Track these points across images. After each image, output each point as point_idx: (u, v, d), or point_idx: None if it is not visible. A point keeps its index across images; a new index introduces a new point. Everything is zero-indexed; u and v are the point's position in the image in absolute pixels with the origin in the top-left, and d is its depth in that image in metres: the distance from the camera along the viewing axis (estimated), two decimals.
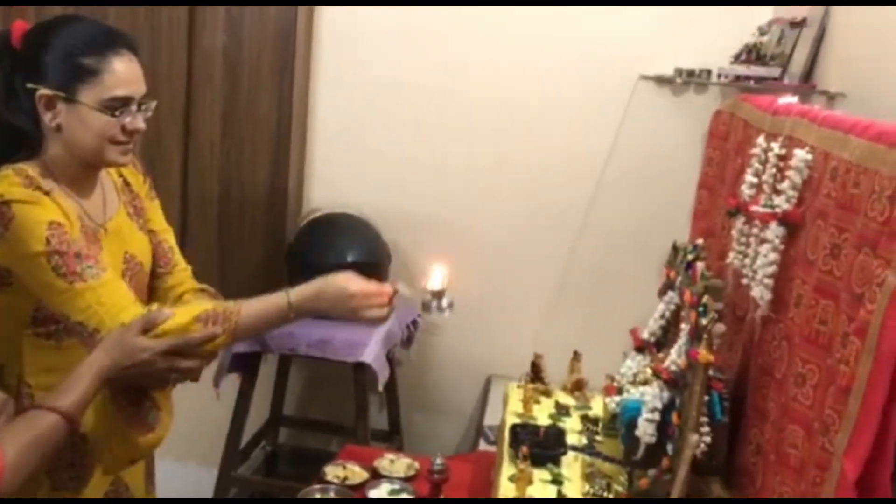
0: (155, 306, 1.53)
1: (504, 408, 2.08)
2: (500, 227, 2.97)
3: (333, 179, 2.97)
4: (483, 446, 2.48)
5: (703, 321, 1.47)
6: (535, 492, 1.58)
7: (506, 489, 1.61)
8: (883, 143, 1.13)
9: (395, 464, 2.11)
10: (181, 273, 1.82)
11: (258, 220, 2.93)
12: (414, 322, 2.83)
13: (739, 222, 1.76)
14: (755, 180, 1.73)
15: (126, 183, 1.76)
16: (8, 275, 1.50)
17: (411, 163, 2.94)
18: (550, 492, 1.60)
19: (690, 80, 2.69)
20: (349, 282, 1.61)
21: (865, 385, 1.01)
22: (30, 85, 1.52)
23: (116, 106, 1.54)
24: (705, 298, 1.48)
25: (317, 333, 2.49)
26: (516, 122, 2.87)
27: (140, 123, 1.59)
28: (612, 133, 2.84)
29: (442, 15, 2.81)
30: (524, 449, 1.60)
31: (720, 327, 1.48)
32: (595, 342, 2.89)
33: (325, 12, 2.86)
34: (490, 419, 2.65)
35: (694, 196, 2.40)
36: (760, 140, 1.72)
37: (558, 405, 1.99)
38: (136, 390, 1.52)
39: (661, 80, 2.75)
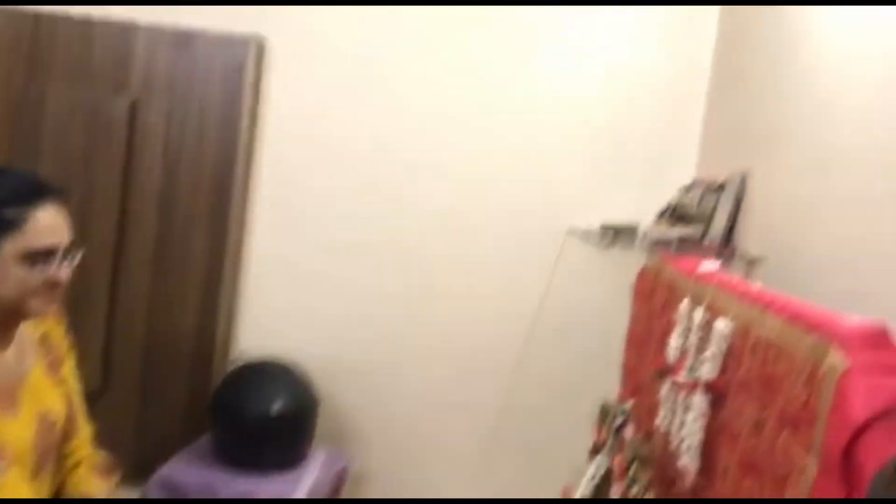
0: None
1: None
2: (431, 376, 2.95)
3: (264, 324, 2.93)
4: None
5: (633, 491, 1.46)
6: None
7: None
8: (798, 326, 1.18)
9: None
10: (80, 438, 1.74)
11: (184, 366, 2.84)
12: (343, 470, 2.74)
13: (666, 385, 1.79)
14: (680, 344, 1.77)
15: (44, 336, 1.71)
16: None
17: (344, 310, 2.93)
18: None
19: (617, 236, 2.78)
20: None
21: None
22: None
23: (38, 258, 1.51)
24: (632, 469, 1.47)
25: (241, 487, 2.38)
26: (447, 272, 2.91)
27: (62, 275, 1.55)
28: (542, 285, 2.90)
29: (370, 182, 2.89)
30: None
31: (650, 496, 1.47)
32: (530, 492, 2.86)
33: (264, 156, 2.90)
34: None
35: (621, 353, 2.44)
36: (684, 304, 1.77)
37: None
38: None
39: (587, 235, 2.84)
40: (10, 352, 1.59)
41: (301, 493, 2.41)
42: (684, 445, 1.52)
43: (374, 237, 2.90)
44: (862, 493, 0.94)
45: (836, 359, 1.01)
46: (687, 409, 1.55)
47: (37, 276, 1.51)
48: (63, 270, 1.55)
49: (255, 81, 2.84)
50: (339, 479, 2.75)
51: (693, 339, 1.65)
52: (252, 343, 2.90)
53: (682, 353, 1.75)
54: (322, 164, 2.89)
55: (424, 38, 2.86)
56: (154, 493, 2.36)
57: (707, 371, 1.49)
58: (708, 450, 1.48)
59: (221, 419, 2.54)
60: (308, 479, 2.50)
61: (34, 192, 1.54)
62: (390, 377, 2.93)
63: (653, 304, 2.19)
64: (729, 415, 1.41)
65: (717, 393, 1.47)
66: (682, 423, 1.63)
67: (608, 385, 2.74)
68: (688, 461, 1.51)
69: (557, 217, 2.85)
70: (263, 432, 2.47)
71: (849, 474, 0.95)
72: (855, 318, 1.06)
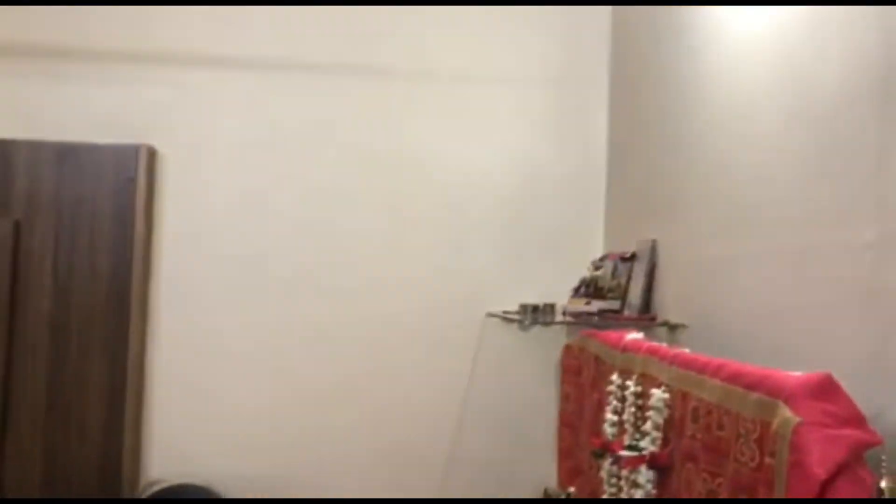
0: None
1: None
2: (359, 481, 2.79)
3: (174, 448, 2.72)
4: None
5: None
6: None
7: None
8: (738, 385, 1.14)
9: None
10: None
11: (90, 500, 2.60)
12: None
13: (607, 463, 1.72)
14: (615, 418, 1.72)
15: None
16: None
17: (253, 428, 2.75)
18: None
19: (535, 315, 2.75)
20: None
21: None
22: None
23: None
24: None
25: None
26: (369, 373, 2.79)
27: None
28: (466, 372, 2.82)
29: (277, 276, 2.78)
30: None
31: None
32: None
33: (162, 268, 2.76)
34: None
35: (555, 434, 2.37)
36: (615, 377, 1.73)
37: None
38: None
39: (507, 317, 2.80)
40: None
41: None
42: None
43: (280, 343, 2.77)
44: None
45: (787, 414, 0.97)
46: (633, 485, 1.48)
47: None
48: None
49: (148, 192, 2.73)
50: None
51: (629, 412, 1.60)
52: (162, 469, 2.68)
53: (619, 428, 1.69)
54: (219, 274, 2.76)
55: (317, 127, 2.81)
56: None
57: (649, 444, 1.43)
58: None
59: None
60: None
61: None
62: (317, 489, 2.75)
63: (581, 381, 2.14)
64: (678, 486, 1.34)
65: (662, 465, 1.40)
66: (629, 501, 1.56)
67: (545, 468, 2.66)
68: None
69: (476, 302, 2.80)
70: None
71: None
72: (798, 371, 1.03)
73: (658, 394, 1.42)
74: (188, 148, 2.75)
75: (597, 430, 1.87)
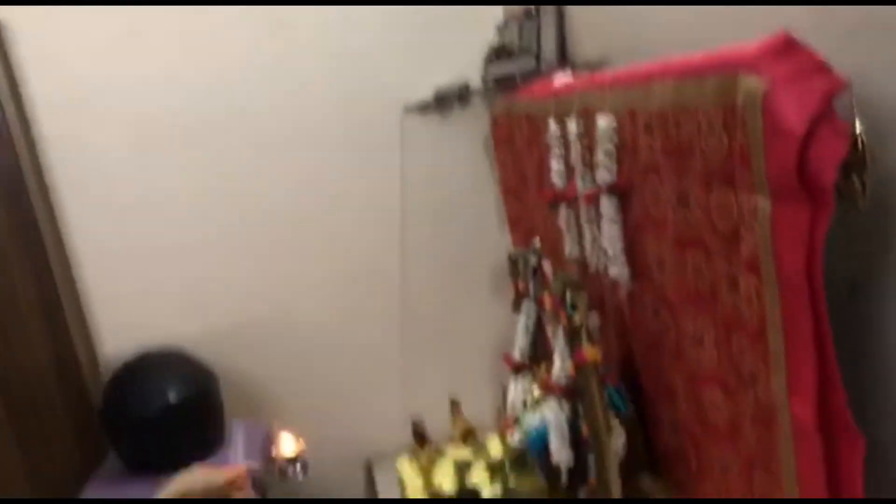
0: None
1: (401, 489, 1.89)
2: (319, 308, 2.76)
3: (124, 326, 2.62)
4: None
5: (576, 318, 1.37)
6: None
7: None
8: (690, 77, 1.09)
9: None
10: None
11: (55, 398, 2.51)
12: (266, 434, 2.55)
13: (563, 211, 1.70)
14: (561, 167, 1.68)
15: None
16: None
17: (200, 276, 2.65)
18: None
19: (453, 99, 2.65)
20: (213, 475, 1.59)
21: (781, 319, 0.94)
22: None
23: None
24: (569, 295, 1.38)
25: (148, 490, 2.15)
26: (296, 197, 2.69)
27: None
28: (396, 174, 2.75)
29: (177, 134, 2.57)
30: None
31: (595, 320, 1.39)
32: (461, 379, 2.77)
33: (51, 144, 2.53)
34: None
35: (501, 207, 2.35)
36: (551, 124, 1.67)
37: (457, 464, 1.83)
38: None
39: (424, 108, 2.69)
40: None
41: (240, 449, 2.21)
42: (609, 255, 1.44)
43: (202, 184, 2.61)
44: (828, 204, 0.87)
45: (752, 84, 0.92)
46: (597, 220, 1.47)
47: None
48: None
49: (6, 70, 2.44)
50: (266, 444, 2.56)
51: (575, 152, 1.56)
52: (119, 346, 2.60)
53: (567, 174, 1.66)
54: (120, 134, 2.56)
55: None
56: None
57: (605, 175, 1.40)
58: (634, 251, 1.41)
59: (119, 430, 2.28)
60: (237, 456, 2.30)
61: None
62: (279, 327, 2.72)
63: (515, 146, 2.09)
64: (644, 207, 1.33)
65: (622, 189, 1.38)
66: (595, 240, 1.56)
67: (498, 248, 2.67)
68: (617, 270, 1.43)
69: (390, 100, 2.68)
70: (170, 426, 2.23)
71: (808, 191, 0.87)
72: (751, 41, 0.97)
73: (604, 122, 1.37)
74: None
75: (543, 185, 1.84)
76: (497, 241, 2.73)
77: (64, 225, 2.57)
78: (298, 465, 1.62)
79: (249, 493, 1.55)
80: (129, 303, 2.62)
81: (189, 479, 1.55)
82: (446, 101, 2.67)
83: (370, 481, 2.74)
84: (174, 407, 2.23)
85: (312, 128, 2.67)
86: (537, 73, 2.30)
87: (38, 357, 2.50)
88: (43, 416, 2.51)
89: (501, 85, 2.43)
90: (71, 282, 2.59)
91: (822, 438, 0.90)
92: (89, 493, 2.27)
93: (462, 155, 2.73)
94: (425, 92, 2.66)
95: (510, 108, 2.07)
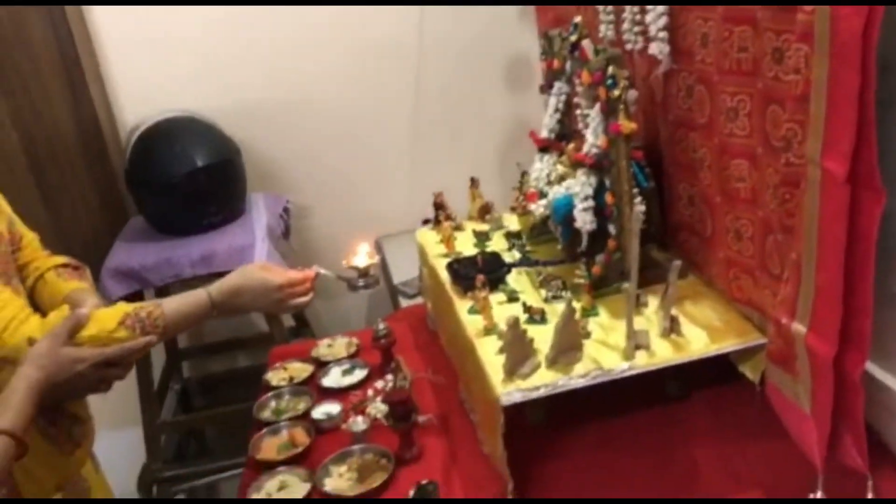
0: (66, 309, 1.35)
1: (422, 256, 2.03)
2: (336, 87, 2.80)
3: (142, 90, 2.66)
4: (405, 303, 2.44)
5: (615, 92, 1.44)
6: (500, 313, 1.56)
7: (472, 322, 1.58)
8: None
9: (334, 346, 2.04)
10: (30, 246, 1.59)
11: (76, 157, 2.60)
12: (286, 210, 2.68)
13: None
14: None
15: None
16: None
17: (220, 48, 2.67)
18: (515, 309, 1.58)
19: None
20: (271, 274, 1.54)
21: (827, 83, 1.02)
22: None
23: None
24: (610, 70, 1.45)
25: (196, 251, 2.29)
26: None
27: None
28: None
29: None
30: (481, 278, 1.56)
31: (633, 93, 1.46)
32: (466, 168, 2.87)
33: None
34: (399, 277, 2.60)
35: None
36: None
37: (476, 233, 1.95)
38: (54, 406, 1.35)
39: None
40: None
41: (260, 238, 2.35)
42: (651, 32, 1.49)
43: None
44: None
45: None
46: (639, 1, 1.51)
47: None
48: None
49: None
50: (284, 218, 2.69)
51: None
52: (139, 112, 2.64)
53: None
54: None
55: None
56: (111, 284, 2.25)
57: None
58: (675, 30, 1.47)
59: (146, 192, 2.38)
60: (259, 223, 2.43)
61: None
62: (296, 106, 2.77)
63: None
64: None
65: None
66: (634, 19, 1.60)
67: (514, 36, 2.68)
68: (658, 48, 1.49)
69: None
70: (197, 188, 2.33)
71: None
72: None
73: None
74: None
75: None
76: (514, 30, 2.74)
77: None
78: (369, 278, 1.70)
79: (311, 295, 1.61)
80: (149, 69, 2.64)
81: (253, 272, 1.55)
82: None
83: (381, 258, 2.90)
84: (201, 170, 2.32)
85: None
86: None
87: (60, 116, 2.55)
88: (66, 177, 2.60)
89: None
90: (88, 40, 2.57)
91: (850, 191, 1.01)
92: (116, 251, 2.41)
93: None
94: None
95: None
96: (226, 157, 2.41)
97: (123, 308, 1.40)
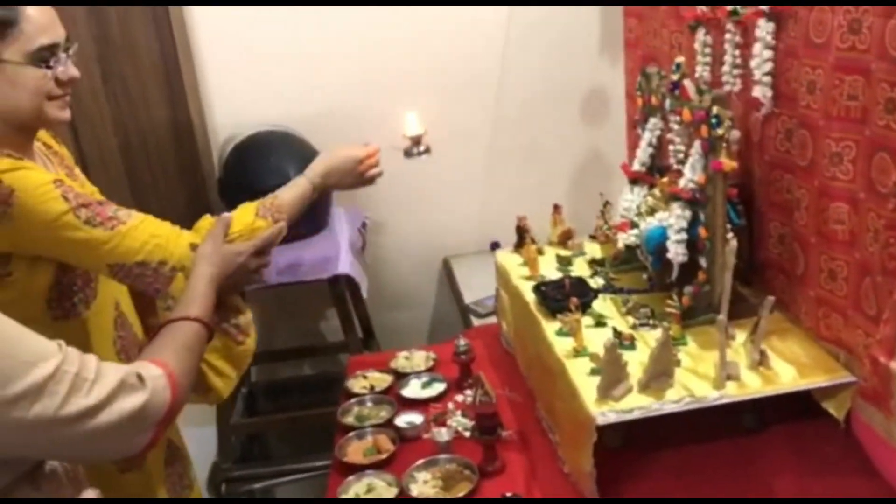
0: (208, 218, 1.56)
1: (502, 277, 2.10)
2: (419, 110, 2.89)
3: (235, 103, 2.77)
4: (477, 322, 2.50)
5: (719, 131, 1.51)
6: (588, 337, 1.62)
7: (561, 343, 1.64)
8: None
9: (411, 359, 2.11)
10: None
11: (169, 162, 2.72)
12: (364, 225, 2.77)
13: (701, 34, 1.80)
14: None
15: (47, 146, 1.59)
16: (5, 264, 1.34)
17: (312, 66, 2.78)
18: (603, 333, 1.64)
19: None
20: (353, 150, 1.79)
21: None
22: None
23: (45, 56, 1.37)
24: (715, 110, 1.51)
25: (283, 259, 2.38)
26: (412, 6, 2.75)
27: (74, 70, 1.44)
28: None
29: None
30: (575, 300, 1.62)
31: (736, 134, 1.52)
32: (537, 196, 2.93)
33: None
34: (468, 296, 2.67)
35: (610, 30, 2.41)
36: None
37: (559, 258, 2.02)
38: (220, 301, 1.47)
39: None
40: (38, 165, 1.49)
41: (343, 251, 2.44)
42: (755, 77, 1.55)
43: None
44: None
45: None
46: (738, 46, 1.59)
47: (48, 76, 1.38)
48: (71, 66, 1.42)
49: None
50: (362, 233, 2.78)
51: None
52: (230, 124, 2.76)
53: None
54: None
55: None
56: None
57: None
58: (779, 74, 1.53)
59: (239, 200, 2.47)
60: (342, 235, 2.52)
61: None
62: (382, 122, 2.85)
63: None
64: (804, 32, 1.43)
65: (781, 15, 1.48)
66: (734, 62, 1.67)
67: (594, 71, 2.76)
68: (761, 91, 1.55)
69: None
70: None
71: None
72: None
73: None
74: None
75: (675, 12, 1.92)
76: (596, 64, 2.82)
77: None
78: (422, 146, 1.84)
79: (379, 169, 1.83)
80: (244, 81, 2.76)
81: (336, 152, 1.78)
82: None
83: (448, 276, 2.97)
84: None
85: None
86: None
87: (157, 122, 2.68)
88: (158, 180, 2.73)
89: None
90: (188, 48, 2.69)
91: None
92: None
93: None
94: None
95: None
96: None
97: (252, 204, 1.62)
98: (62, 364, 0.99)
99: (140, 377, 1.09)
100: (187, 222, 2.74)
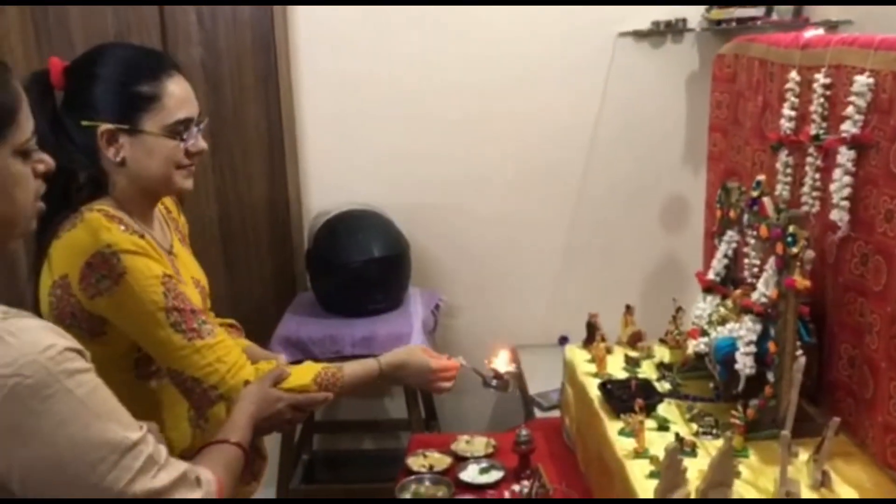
0: (272, 363, 1.59)
1: (569, 372, 2.13)
2: (501, 203, 3.01)
3: (330, 182, 2.95)
4: (539, 414, 2.53)
5: (794, 250, 1.54)
6: (650, 439, 1.63)
7: (622, 444, 1.66)
8: None
9: (472, 444, 2.14)
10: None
11: (262, 233, 2.89)
12: (437, 306, 2.85)
13: (783, 155, 1.85)
14: (793, 113, 1.82)
15: (168, 210, 1.73)
16: (102, 324, 1.44)
17: (405, 153, 2.94)
18: (665, 437, 1.65)
19: (668, 30, 2.77)
20: (432, 359, 1.77)
21: None
22: (86, 123, 1.45)
23: (180, 129, 1.50)
24: (791, 228, 1.55)
25: (359, 332, 2.48)
26: (503, 97, 2.91)
27: (203, 143, 1.55)
28: (598, 93, 2.92)
29: (411, 18, 2.83)
30: (640, 402, 1.65)
31: (811, 253, 1.56)
32: (609, 295, 2.98)
33: (299, 13, 2.81)
34: (533, 387, 2.70)
35: (692, 143, 2.48)
36: (793, 75, 1.80)
37: (627, 358, 2.05)
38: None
39: (638, 35, 2.82)
40: (157, 229, 1.61)
41: (416, 330, 2.52)
42: (834, 200, 1.59)
43: (423, 72, 2.87)
44: None
45: None
46: (818, 169, 1.64)
47: (180, 148, 1.51)
48: (201, 139, 1.55)
49: None
50: (435, 314, 2.86)
51: (816, 103, 1.70)
52: (322, 201, 2.92)
53: (797, 123, 1.80)
54: (359, 14, 2.82)
55: None
56: (279, 350, 2.45)
57: (850, 126, 1.55)
58: (855, 201, 1.57)
59: (324, 272, 2.61)
60: (416, 315, 2.60)
61: (159, 63, 1.51)
62: (461, 210, 2.99)
63: (736, 87, 2.22)
64: (884, 164, 1.47)
65: (863, 144, 1.53)
66: (814, 184, 1.71)
67: (676, 181, 2.82)
68: (838, 216, 1.59)
69: (607, 22, 2.83)
70: (369, 276, 2.55)
71: None
72: None
73: (861, 79, 1.51)
74: None
75: (764, 128, 1.99)
76: (678, 172, 2.89)
77: (297, 79, 2.86)
78: (501, 382, 1.88)
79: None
80: (339, 161, 2.93)
81: (417, 353, 1.77)
82: (660, 32, 2.79)
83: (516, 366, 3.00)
84: (375, 260, 2.55)
85: (529, 37, 2.86)
86: (766, 19, 2.40)
87: (256, 191, 2.86)
88: (250, 250, 2.90)
89: (720, 27, 2.54)
90: (293, 130, 2.89)
91: None
92: (287, 322, 2.63)
93: (664, 87, 2.87)
94: (642, 24, 2.79)
95: (740, 50, 2.19)
96: (398, 251, 2.63)
97: (315, 368, 1.61)
98: (141, 442, 1.05)
99: (198, 478, 1.14)
100: (272, 289, 2.91)
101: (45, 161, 1.08)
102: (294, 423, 1.61)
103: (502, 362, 1.88)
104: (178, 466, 1.10)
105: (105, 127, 1.45)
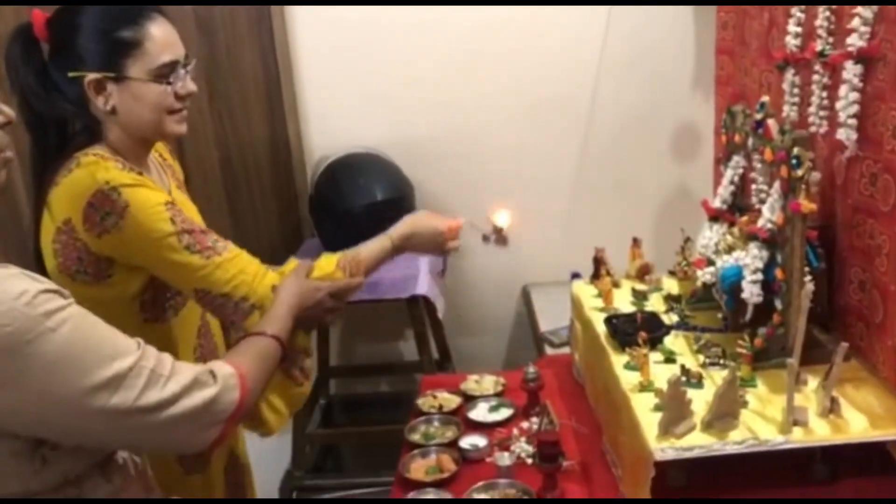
0: (294, 261, 1.61)
1: (576, 308, 2.11)
2: (505, 134, 2.95)
3: (331, 125, 2.90)
4: (550, 351, 2.51)
5: (799, 172, 1.49)
6: (657, 372, 1.61)
7: (627, 377, 1.63)
8: None
9: (481, 383, 2.13)
10: None
11: (265, 178, 2.86)
12: None
13: (789, 74, 1.78)
14: (798, 30, 1.74)
15: (163, 157, 1.71)
16: (109, 266, 1.44)
17: (405, 92, 2.88)
18: (671, 369, 1.63)
19: None
20: (436, 221, 1.80)
21: None
22: (72, 74, 1.45)
23: (166, 73, 1.48)
24: (796, 150, 1.49)
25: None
26: (505, 30, 2.83)
27: (192, 85, 1.54)
28: (602, 19, 2.82)
29: None
30: (643, 335, 1.62)
31: (817, 175, 1.50)
32: (622, 228, 2.92)
33: None
34: (545, 325, 2.68)
35: (698, 68, 2.40)
36: None
37: (634, 291, 2.01)
38: (292, 342, 1.53)
39: None
40: (153, 174, 1.60)
41: (423, 272, 2.50)
42: (840, 118, 1.53)
43: (423, 7, 2.79)
44: None
45: None
46: (825, 87, 1.56)
47: (169, 91, 1.49)
48: (189, 81, 1.53)
49: None
50: (443, 257, 2.83)
51: (822, 18, 1.62)
52: (324, 144, 2.88)
53: (806, 38, 1.72)
54: None
55: None
56: None
57: (857, 40, 1.47)
58: (863, 118, 1.50)
59: (328, 218, 2.58)
60: (423, 258, 2.58)
61: (139, 8, 1.48)
62: (466, 149, 2.93)
63: (742, 7, 2.13)
64: (892, 77, 1.40)
65: (870, 58, 1.45)
66: (820, 103, 1.64)
67: (683, 107, 2.74)
68: (845, 134, 1.53)
69: None
70: (373, 220, 2.49)
71: None
72: None
73: None
74: None
75: (768, 49, 1.91)
76: (686, 99, 2.81)
77: (291, 20, 2.80)
78: (499, 237, 1.93)
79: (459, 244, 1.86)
80: (339, 106, 2.87)
81: (421, 219, 1.82)
82: None
83: (527, 304, 2.99)
84: (379, 203, 2.51)
85: None
86: None
87: (256, 141, 2.82)
88: (254, 195, 2.87)
89: None
90: (290, 73, 2.83)
91: None
92: None
93: (669, 9, 2.77)
94: None
95: None
96: (402, 194, 2.59)
97: (334, 257, 1.64)
98: (140, 360, 1.07)
99: (212, 373, 1.17)
100: (278, 235, 2.89)
101: (4, 112, 1.07)
102: (334, 312, 1.61)
103: (503, 219, 1.98)
104: (188, 372, 1.12)
105: (92, 76, 1.44)
